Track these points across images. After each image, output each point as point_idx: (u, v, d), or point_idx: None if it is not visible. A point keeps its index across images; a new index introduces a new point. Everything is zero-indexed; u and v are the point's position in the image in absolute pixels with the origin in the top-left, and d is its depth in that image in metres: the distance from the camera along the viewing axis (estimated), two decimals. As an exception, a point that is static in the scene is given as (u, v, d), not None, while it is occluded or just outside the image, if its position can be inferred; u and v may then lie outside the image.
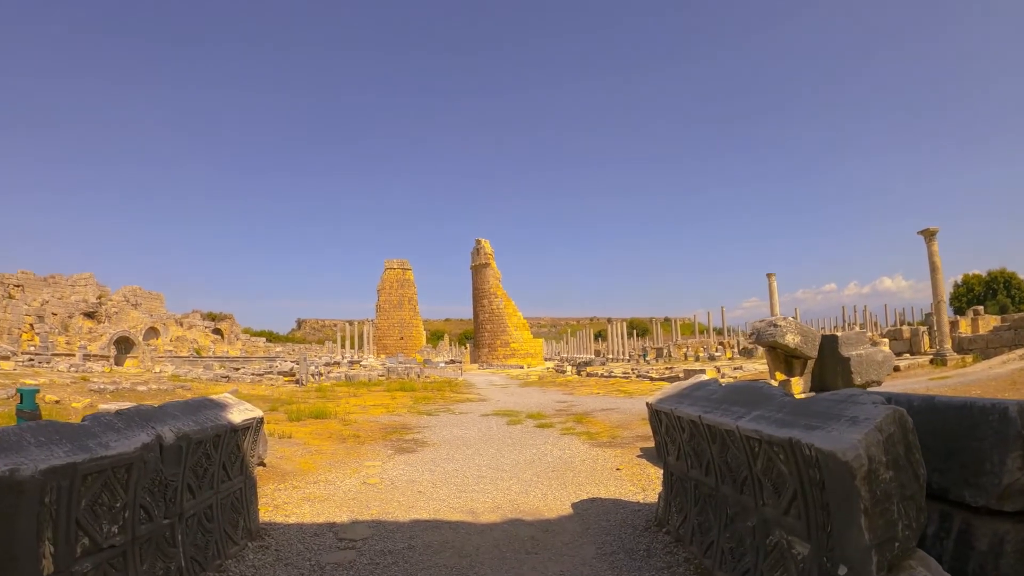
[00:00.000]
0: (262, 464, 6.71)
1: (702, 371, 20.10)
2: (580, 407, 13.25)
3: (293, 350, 51.99)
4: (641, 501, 4.84)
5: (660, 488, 5.15)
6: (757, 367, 21.35)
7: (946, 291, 21.62)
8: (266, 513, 4.79)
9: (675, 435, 3.73)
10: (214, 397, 4.10)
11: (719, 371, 20.72)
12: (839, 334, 7.68)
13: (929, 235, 21.33)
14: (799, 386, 7.61)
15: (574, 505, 4.79)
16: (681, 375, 20.76)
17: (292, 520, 4.61)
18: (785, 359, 7.63)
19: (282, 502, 5.16)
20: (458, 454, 7.30)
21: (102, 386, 17.82)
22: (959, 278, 54.06)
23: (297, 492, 5.52)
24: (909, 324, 39.82)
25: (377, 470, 6.41)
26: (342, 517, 4.66)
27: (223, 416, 3.80)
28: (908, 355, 20.20)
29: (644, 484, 5.45)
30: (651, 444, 7.62)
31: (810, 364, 7.72)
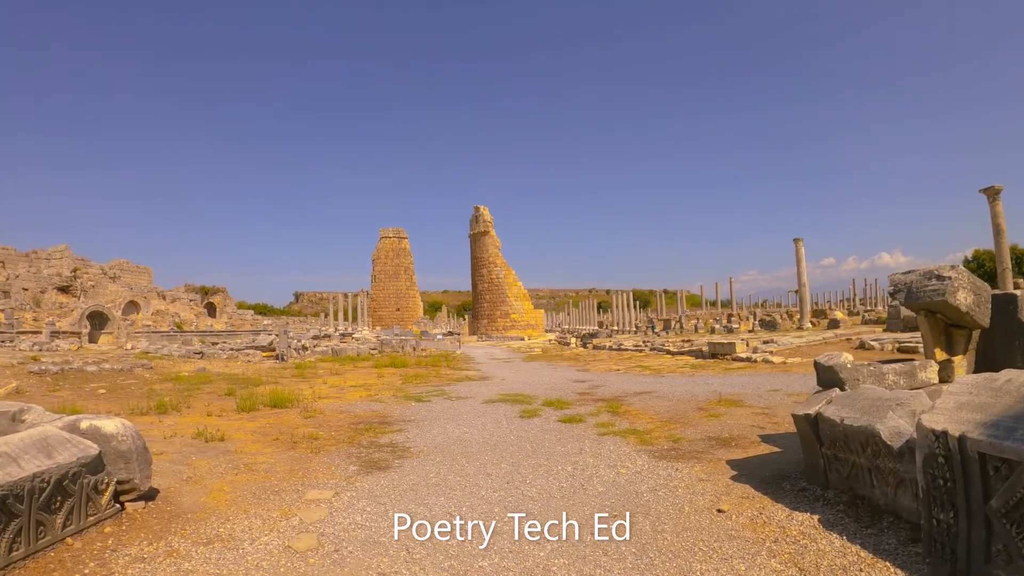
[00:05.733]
0: (145, 498, 4.26)
1: (731, 344, 17.73)
2: (605, 389, 10.83)
3: (288, 323, 49.47)
4: (822, 613, 2.39)
5: (831, 563, 2.69)
6: (793, 341, 18.94)
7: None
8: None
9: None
10: None
11: (748, 345, 18.33)
12: (1018, 293, 5.17)
13: (993, 194, 18.67)
14: (962, 369, 5.13)
15: (690, 627, 2.35)
16: (705, 348, 18.40)
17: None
18: (945, 329, 5.12)
19: (122, 600, 2.72)
20: (453, 475, 4.83)
21: (45, 367, 15.34)
22: (969, 253, 51.49)
23: (167, 568, 3.07)
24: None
25: (321, 512, 3.93)
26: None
27: None
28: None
29: (792, 552, 2.98)
30: (737, 455, 5.17)
31: (974, 336, 5.24)
